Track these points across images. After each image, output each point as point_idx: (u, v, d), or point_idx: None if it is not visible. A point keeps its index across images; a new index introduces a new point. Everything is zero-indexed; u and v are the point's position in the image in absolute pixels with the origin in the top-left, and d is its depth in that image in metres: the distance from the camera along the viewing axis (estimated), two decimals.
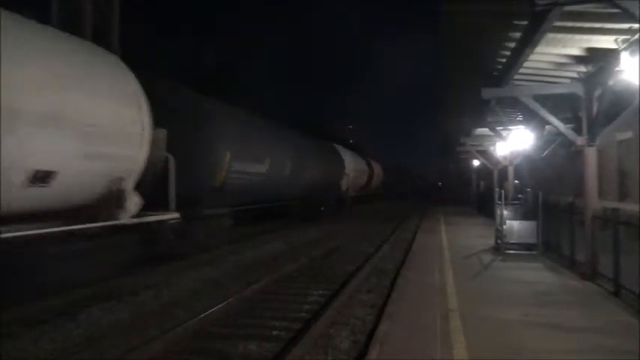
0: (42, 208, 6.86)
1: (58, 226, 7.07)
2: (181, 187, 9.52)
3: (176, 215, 9.40)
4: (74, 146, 6.85)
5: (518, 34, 7.91)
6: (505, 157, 18.58)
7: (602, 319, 6.23)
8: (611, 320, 6.20)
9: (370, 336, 5.88)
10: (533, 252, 11.39)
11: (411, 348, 5.18)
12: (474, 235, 15.51)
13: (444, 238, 15.07)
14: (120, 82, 8.05)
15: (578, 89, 9.04)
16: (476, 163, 29.09)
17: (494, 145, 19.75)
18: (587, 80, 8.94)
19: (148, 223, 8.80)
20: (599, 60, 8.27)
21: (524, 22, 7.27)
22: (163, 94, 9.40)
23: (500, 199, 12.43)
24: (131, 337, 6.18)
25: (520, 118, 16.07)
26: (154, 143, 8.76)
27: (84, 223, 7.44)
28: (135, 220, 8.29)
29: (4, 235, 6.07)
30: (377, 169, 39.25)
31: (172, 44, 25.28)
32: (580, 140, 8.93)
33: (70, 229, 7.31)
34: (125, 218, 8.04)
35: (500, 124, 16.52)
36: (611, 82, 8.08)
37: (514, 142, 15.61)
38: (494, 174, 22.85)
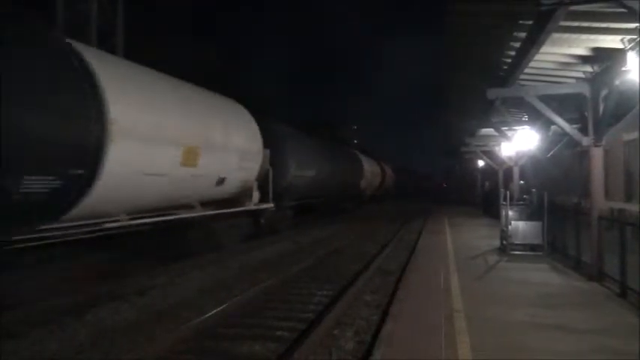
0: (217, 198, 11.73)
1: (216, 209, 11.66)
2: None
3: (272, 205, 14.21)
4: (234, 162, 11.74)
5: (523, 34, 7.88)
6: (510, 158, 18.49)
7: (608, 320, 6.20)
8: (616, 321, 6.17)
9: (375, 336, 5.88)
10: (539, 253, 11.35)
11: (415, 348, 5.17)
12: (478, 236, 15.47)
13: (448, 238, 15.03)
14: (250, 125, 13.16)
15: (584, 89, 8.99)
16: (481, 163, 28.99)
17: (499, 145, 19.66)
18: (594, 80, 8.89)
19: (260, 209, 13.76)
20: (606, 60, 8.23)
21: (530, 22, 7.24)
22: (266, 126, 14.03)
23: (505, 199, 12.39)
24: (137, 336, 6.21)
25: (525, 118, 16.01)
26: (263, 159, 13.58)
27: (231, 208, 12.31)
28: (254, 207, 13.35)
29: (209, 213, 11.18)
30: (388, 170, 42.52)
31: (172, 44, 25.51)
32: (586, 140, 8.88)
33: (228, 212, 12.12)
34: (251, 206, 13.14)
35: (506, 124, 16.44)
36: (617, 82, 8.03)
37: (519, 142, 15.53)
38: (499, 174, 22.77)
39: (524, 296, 7.50)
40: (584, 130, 9.27)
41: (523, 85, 10.58)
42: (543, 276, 9.15)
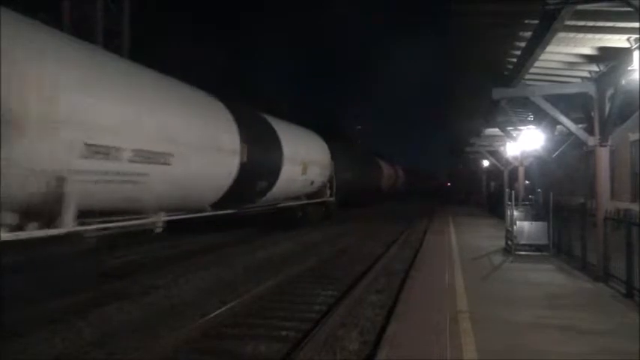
0: (308, 193, 18.41)
1: (304, 200, 18.53)
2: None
3: (333, 199, 20.80)
4: (318, 171, 18.25)
5: (528, 34, 7.85)
6: (515, 158, 18.44)
7: (613, 321, 6.16)
8: (621, 322, 6.14)
9: (380, 337, 5.87)
10: (544, 253, 11.29)
11: (420, 349, 5.16)
12: (483, 236, 15.42)
13: (453, 238, 14.99)
14: (324, 148, 19.79)
15: (590, 89, 8.93)
16: (486, 163, 28.91)
17: (504, 145, 19.61)
18: (599, 80, 8.84)
19: (328, 200, 20.53)
20: (612, 59, 8.18)
21: (535, 22, 7.21)
22: (330, 146, 20.46)
23: (510, 199, 12.34)
24: (141, 336, 6.22)
25: (531, 118, 15.94)
26: (330, 168, 19.98)
27: (314, 199, 19.28)
28: (326, 199, 20.18)
29: (307, 202, 18.75)
30: (400, 171, 48.28)
31: (175, 44, 25.88)
32: (592, 140, 8.83)
33: (315, 201, 19.21)
34: (325, 198, 20.03)
35: (511, 124, 16.39)
36: (623, 82, 7.98)
37: (525, 142, 15.48)
38: (504, 174, 22.70)
39: (530, 297, 7.46)
40: (590, 130, 9.21)
41: (528, 85, 10.54)
42: (549, 276, 9.11)
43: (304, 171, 16.63)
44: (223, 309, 7.24)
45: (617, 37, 7.42)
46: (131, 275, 9.35)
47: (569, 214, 11.15)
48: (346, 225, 21.23)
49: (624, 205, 12.48)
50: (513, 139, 16.72)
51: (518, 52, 9.02)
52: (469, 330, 5.75)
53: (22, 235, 6.34)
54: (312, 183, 18.02)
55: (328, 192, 20.27)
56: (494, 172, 29.33)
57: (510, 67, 10.07)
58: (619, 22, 6.90)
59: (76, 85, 6.59)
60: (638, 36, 7.02)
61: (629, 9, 6.03)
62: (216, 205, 11.34)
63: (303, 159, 16.48)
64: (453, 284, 8.34)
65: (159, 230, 9.32)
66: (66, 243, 6.88)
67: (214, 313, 7.00)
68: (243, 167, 11.27)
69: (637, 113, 12.90)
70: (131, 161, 7.48)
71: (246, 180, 11.68)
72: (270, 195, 14.27)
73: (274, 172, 13.94)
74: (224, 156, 10.64)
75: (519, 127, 16.51)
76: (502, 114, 15.21)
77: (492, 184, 31.42)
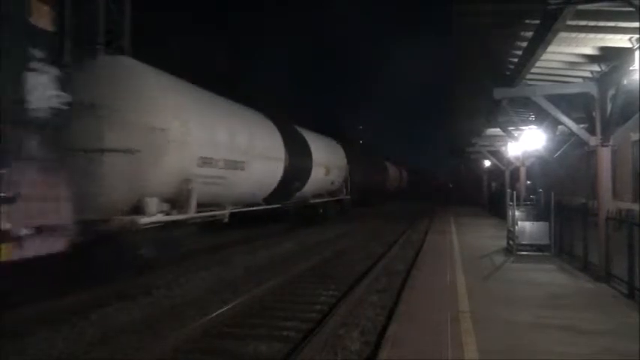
0: (328, 191, 22.39)
1: (325, 198, 22.15)
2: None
3: (349, 197, 24.47)
4: (337, 172, 22.48)
5: (530, 34, 7.84)
6: (517, 158, 18.42)
7: (615, 322, 6.15)
8: (623, 322, 6.12)
9: (381, 337, 5.86)
10: (546, 253, 11.28)
11: (421, 349, 5.16)
12: (485, 236, 15.41)
13: (454, 238, 14.99)
14: (342, 153, 23.78)
15: (592, 89, 8.92)
16: (487, 163, 28.88)
17: (505, 145, 19.58)
18: (601, 80, 8.82)
19: (345, 198, 24.18)
20: (613, 59, 8.16)
21: (537, 21, 7.20)
22: (345, 151, 24.23)
23: (512, 199, 12.33)
24: (143, 336, 6.23)
25: (532, 118, 15.91)
26: (346, 170, 23.59)
27: (333, 197, 23.14)
28: (343, 197, 24.03)
29: (328, 199, 22.57)
30: (403, 173, 51.14)
31: (176, 44, 26.06)
32: (593, 140, 8.81)
33: (334, 199, 22.99)
34: (342, 196, 23.94)
35: (512, 124, 16.36)
36: (625, 82, 7.96)
37: (526, 142, 15.46)
38: (505, 175, 22.67)
39: (531, 297, 7.46)
40: (591, 130, 9.20)
41: (530, 85, 10.52)
42: (550, 277, 9.10)
43: (327, 173, 20.46)
44: (224, 309, 7.24)
45: (618, 37, 7.41)
46: (131, 275, 9.36)
47: (570, 214, 11.13)
48: (348, 225, 21.24)
49: (626, 205, 12.45)
50: (515, 139, 16.68)
51: (520, 52, 9.00)
52: (470, 330, 5.75)
53: (171, 217, 9.33)
54: (332, 183, 21.97)
55: (344, 191, 24.04)
56: (495, 172, 29.31)
57: (511, 67, 10.05)
58: (620, 22, 6.88)
59: (195, 116, 10.10)
60: (639, 36, 7.01)
61: (630, 9, 6.03)
62: (266, 200, 14.91)
63: (327, 163, 20.26)
64: (454, 284, 8.34)
65: (226, 220, 11.91)
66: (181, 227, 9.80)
67: (215, 313, 7.01)
68: (286, 170, 15.04)
69: (638, 113, 12.86)
70: (222, 168, 10.85)
71: (287, 180, 15.37)
72: (302, 193, 17.93)
73: (306, 174, 17.63)
74: (275, 162, 14.50)
75: (521, 127, 16.48)
76: (503, 114, 15.18)
77: (493, 184, 31.40)
